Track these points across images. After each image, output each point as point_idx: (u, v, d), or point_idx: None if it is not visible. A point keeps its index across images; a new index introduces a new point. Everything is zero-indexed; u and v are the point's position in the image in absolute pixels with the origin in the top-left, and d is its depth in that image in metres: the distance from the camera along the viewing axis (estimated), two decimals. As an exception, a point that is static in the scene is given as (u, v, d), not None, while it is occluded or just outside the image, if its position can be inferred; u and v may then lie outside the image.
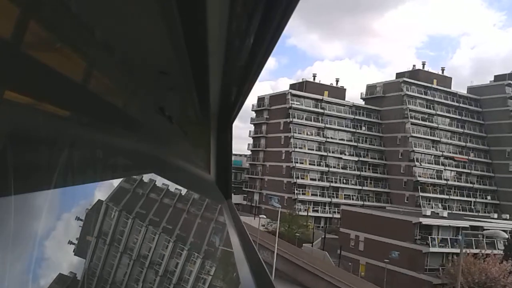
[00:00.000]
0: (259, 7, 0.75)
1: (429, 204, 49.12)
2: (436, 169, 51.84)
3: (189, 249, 1.21)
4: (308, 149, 50.08)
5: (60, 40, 0.47)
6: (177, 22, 0.74)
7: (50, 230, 0.48)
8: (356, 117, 53.58)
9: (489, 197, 54.79)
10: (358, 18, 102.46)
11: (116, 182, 0.83)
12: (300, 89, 52.36)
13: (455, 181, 53.10)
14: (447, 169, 52.83)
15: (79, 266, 0.56)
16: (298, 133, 49.91)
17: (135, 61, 0.84)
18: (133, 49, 0.77)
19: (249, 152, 57.67)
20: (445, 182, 51.81)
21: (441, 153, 52.71)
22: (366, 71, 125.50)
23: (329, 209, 48.86)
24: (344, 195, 50.81)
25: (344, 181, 51.23)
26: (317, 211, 48.26)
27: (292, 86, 54.32)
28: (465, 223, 33.61)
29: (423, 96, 53.01)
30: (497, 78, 56.34)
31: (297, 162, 48.84)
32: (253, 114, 56.71)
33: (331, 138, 51.45)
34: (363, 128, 53.70)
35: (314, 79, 55.16)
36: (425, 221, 32.08)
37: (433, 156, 52.01)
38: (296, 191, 47.93)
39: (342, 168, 51.42)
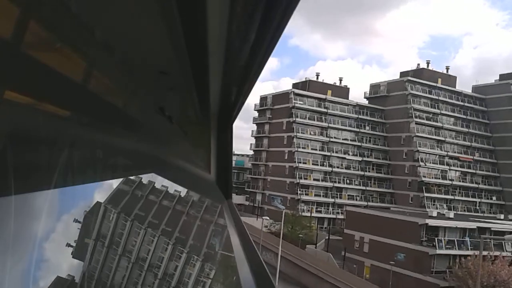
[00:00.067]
0: (259, 7, 0.74)
1: (433, 204, 48.76)
2: (441, 169, 51.46)
3: (188, 252, 1.20)
4: (311, 149, 49.93)
5: (60, 40, 0.47)
6: (177, 22, 0.74)
7: (50, 230, 0.48)
8: (360, 116, 53.31)
9: (494, 198, 54.30)
10: (361, 18, 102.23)
11: (116, 182, 0.83)
12: (303, 88, 52.21)
13: (460, 181, 52.67)
14: (452, 169, 52.43)
15: (79, 267, 0.56)
16: (301, 132, 49.77)
17: (135, 61, 0.84)
18: (133, 49, 0.78)
19: (251, 152, 57.66)
20: (450, 182, 51.43)
21: (446, 153, 52.31)
22: (369, 71, 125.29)
23: (333, 209, 48.70)
24: (348, 195, 50.60)
25: (348, 181, 51.00)
26: (320, 211, 48.10)
27: (295, 85, 54.17)
28: (473, 224, 33.22)
29: (427, 95, 52.64)
30: (503, 77, 55.80)
31: (300, 162, 48.73)
32: (256, 114, 56.70)
33: (335, 137, 51.24)
34: (367, 127, 53.42)
35: (317, 78, 55.00)
36: (431, 222, 31.65)
37: (437, 156, 51.63)
38: (299, 192, 47.82)
39: (345, 168, 51.19)
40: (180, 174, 1.57)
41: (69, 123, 0.57)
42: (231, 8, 0.76)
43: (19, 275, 0.38)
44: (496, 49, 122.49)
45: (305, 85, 53.18)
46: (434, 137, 51.95)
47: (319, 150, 50.29)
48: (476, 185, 53.21)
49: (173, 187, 1.37)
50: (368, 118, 53.63)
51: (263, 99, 55.41)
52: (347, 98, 54.83)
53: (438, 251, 30.61)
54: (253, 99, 56.42)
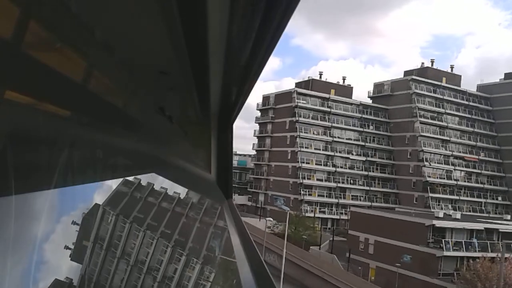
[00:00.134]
0: (259, 7, 0.74)
1: (438, 205, 48.40)
2: (446, 169, 51.07)
3: (188, 255, 1.20)
4: (315, 148, 49.79)
5: (60, 40, 0.47)
6: (177, 22, 0.74)
7: (50, 230, 0.48)
8: (364, 116, 53.06)
9: (500, 198, 53.79)
10: (363, 17, 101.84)
11: (116, 182, 0.83)
12: (306, 88, 52.07)
13: (465, 181, 52.23)
14: (457, 169, 52.01)
15: (78, 268, 0.56)
16: (304, 132, 49.65)
17: (135, 61, 0.84)
18: (133, 49, 0.78)
19: (254, 152, 57.60)
20: (455, 182, 51.02)
21: (450, 152, 51.91)
22: (371, 71, 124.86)
23: (336, 210, 48.51)
24: (352, 195, 50.38)
25: (352, 181, 50.78)
26: (324, 212, 47.94)
27: (298, 85, 54.02)
28: (480, 225, 32.73)
29: (432, 94, 52.25)
30: (508, 76, 55.27)
31: (303, 162, 48.60)
32: (258, 113, 56.65)
33: (338, 137, 51.03)
34: (371, 127, 53.17)
35: (320, 77, 54.78)
36: (438, 223, 31.12)
37: (442, 155, 51.25)
38: (302, 192, 47.71)
39: (349, 168, 50.97)
40: (181, 174, 1.57)
41: (69, 123, 0.57)
42: (231, 8, 0.76)
43: (18, 275, 0.39)
44: (499, 49, 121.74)
45: (308, 84, 53.02)
46: (439, 136, 51.57)
47: (323, 150, 50.12)
48: (481, 185, 52.72)
49: (173, 187, 1.38)
50: (372, 117, 53.35)
51: (265, 98, 55.34)
52: (351, 98, 54.57)
53: (446, 253, 30.03)
54: (254, 98, 56.46)
